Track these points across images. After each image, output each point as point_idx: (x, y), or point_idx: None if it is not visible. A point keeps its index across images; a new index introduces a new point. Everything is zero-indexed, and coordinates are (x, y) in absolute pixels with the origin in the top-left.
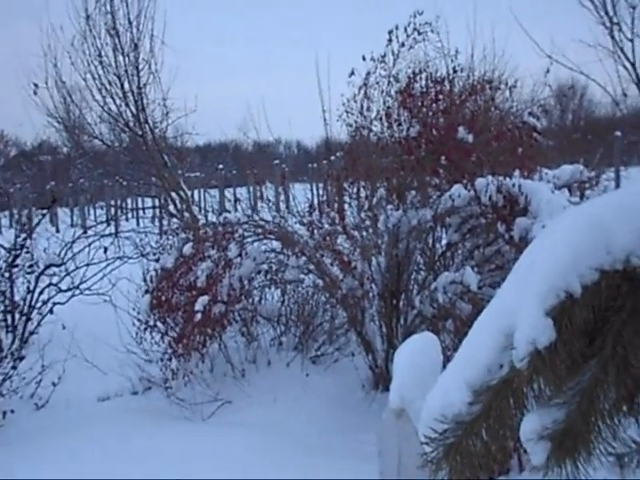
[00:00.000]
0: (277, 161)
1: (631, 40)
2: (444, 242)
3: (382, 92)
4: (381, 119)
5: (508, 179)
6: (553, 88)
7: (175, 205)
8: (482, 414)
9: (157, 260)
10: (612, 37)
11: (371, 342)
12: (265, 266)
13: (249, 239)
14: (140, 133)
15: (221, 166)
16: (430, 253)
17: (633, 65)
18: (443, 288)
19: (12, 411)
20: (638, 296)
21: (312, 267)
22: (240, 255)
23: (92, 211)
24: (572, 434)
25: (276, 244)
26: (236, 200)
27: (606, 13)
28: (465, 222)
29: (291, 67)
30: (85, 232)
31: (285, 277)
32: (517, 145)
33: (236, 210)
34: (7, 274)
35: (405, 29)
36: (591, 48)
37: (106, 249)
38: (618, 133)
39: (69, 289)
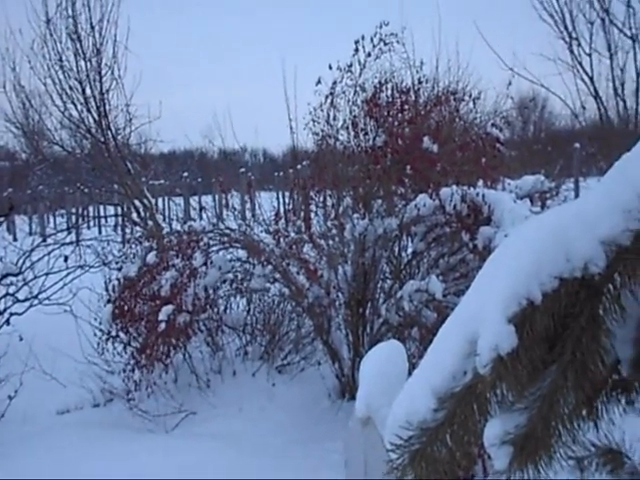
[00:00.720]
0: (243, 169)
1: (589, 55)
2: (410, 251)
3: (348, 101)
4: (347, 128)
5: (472, 189)
6: (515, 100)
7: (138, 213)
8: (446, 420)
9: (120, 269)
10: (571, 52)
11: (337, 351)
12: (231, 275)
13: (214, 248)
14: (102, 140)
15: (186, 174)
16: (396, 262)
17: (591, 79)
18: (409, 296)
19: None
20: (596, 303)
21: (278, 276)
22: (205, 264)
23: (52, 219)
24: (533, 438)
25: (242, 253)
26: (201, 208)
27: (565, 28)
28: (430, 231)
29: (257, 75)
30: (44, 240)
31: (251, 286)
32: (481, 155)
33: (201, 218)
34: None
35: (371, 39)
36: (551, 62)
37: (66, 258)
38: (577, 145)
39: (27, 299)
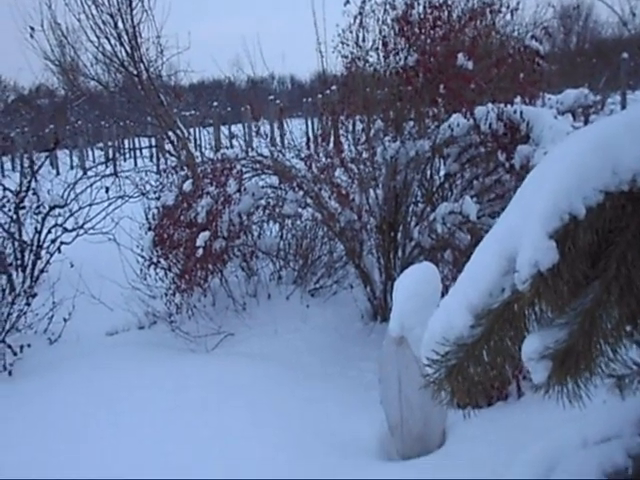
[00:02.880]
0: (272, 97)
1: None
2: (442, 173)
3: (378, 20)
4: (377, 49)
5: (509, 106)
6: (557, 9)
7: (172, 144)
8: (483, 337)
9: (158, 198)
10: None
11: (369, 274)
12: (263, 201)
13: (247, 175)
14: (135, 72)
15: (215, 103)
16: (428, 184)
17: None
18: (442, 219)
19: (29, 345)
20: None
21: (310, 201)
22: (239, 191)
23: (91, 153)
24: (574, 353)
25: (274, 179)
26: (232, 137)
27: None
28: (464, 152)
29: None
30: (85, 173)
31: (283, 212)
32: (519, 70)
33: (232, 147)
34: (15, 216)
35: None
36: None
37: (107, 189)
38: (625, 55)
39: (74, 229)
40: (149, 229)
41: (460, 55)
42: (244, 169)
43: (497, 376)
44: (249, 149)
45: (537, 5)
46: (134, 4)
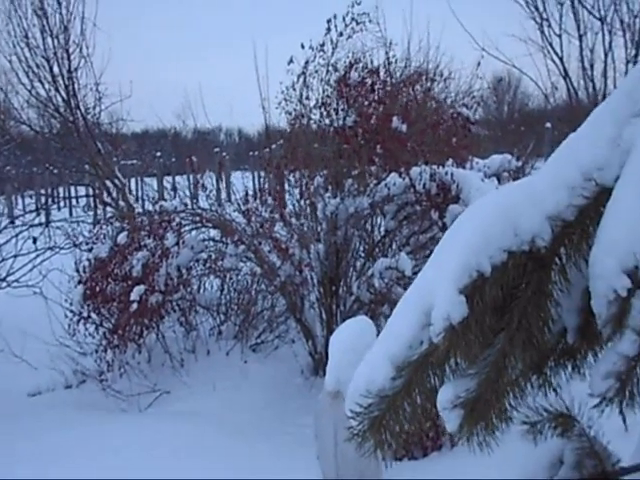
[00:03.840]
0: (217, 149)
1: (559, 35)
2: (382, 229)
3: (321, 80)
4: (320, 107)
5: (441, 168)
6: (489, 80)
7: (110, 194)
8: (403, 388)
9: (90, 250)
10: (542, 32)
11: (311, 328)
12: (204, 255)
13: (187, 227)
14: (71, 119)
15: (159, 153)
16: (369, 240)
17: (561, 60)
18: (379, 274)
19: None
20: (542, 274)
21: (251, 255)
22: (177, 244)
23: (20, 200)
24: (482, 401)
25: (215, 232)
26: (174, 189)
27: (536, 9)
28: (401, 209)
29: (231, 54)
30: (12, 222)
31: (224, 265)
32: (452, 135)
33: (175, 198)
34: None
35: (343, 18)
36: (522, 42)
37: (35, 239)
38: (548, 125)
39: None
40: (79, 282)
41: (395, 118)
42: (183, 222)
43: (419, 424)
44: (189, 201)
45: (470, 75)
46: (71, 49)
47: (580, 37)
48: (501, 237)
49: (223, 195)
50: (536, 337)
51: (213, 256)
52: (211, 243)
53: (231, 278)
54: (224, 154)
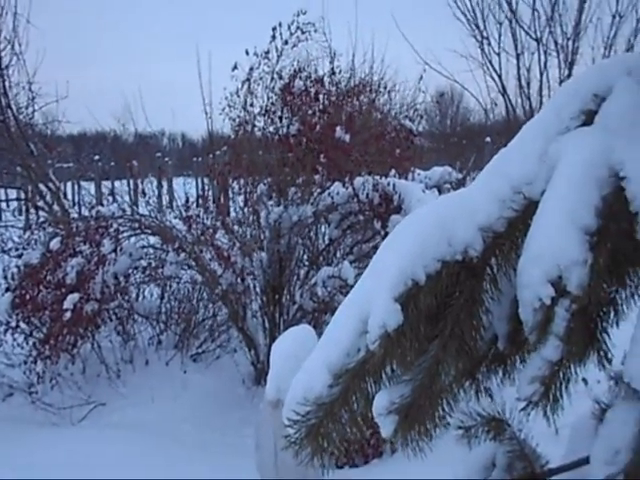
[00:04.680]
0: (159, 154)
1: (498, 54)
2: (327, 238)
3: (266, 88)
4: (264, 115)
5: (384, 178)
6: (432, 94)
7: (43, 197)
8: (341, 396)
9: (20, 256)
10: (482, 50)
11: (253, 337)
12: (144, 262)
13: (125, 234)
14: (1, 118)
15: (97, 157)
16: (313, 248)
17: (500, 77)
18: (323, 282)
19: None
20: (474, 283)
21: (192, 263)
22: (115, 251)
23: None
24: (416, 407)
25: (155, 239)
26: (111, 193)
27: (477, 27)
28: (345, 219)
29: (175, 58)
30: None
31: (164, 273)
32: (395, 146)
33: (115, 202)
34: None
35: (289, 27)
36: (463, 58)
37: None
38: (488, 139)
39: None
40: (7, 290)
41: (338, 128)
42: (122, 228)
43: (357, 431)
44: (127, 207)
45: (414, 89)
46: (2, 45)
47: (517, 56)
48: (436, 247)
49: (166, 201)
50: (468, 344)
51: (153, 263)
52: (151, 250)
53: (171, 286)
54: (166, 159)
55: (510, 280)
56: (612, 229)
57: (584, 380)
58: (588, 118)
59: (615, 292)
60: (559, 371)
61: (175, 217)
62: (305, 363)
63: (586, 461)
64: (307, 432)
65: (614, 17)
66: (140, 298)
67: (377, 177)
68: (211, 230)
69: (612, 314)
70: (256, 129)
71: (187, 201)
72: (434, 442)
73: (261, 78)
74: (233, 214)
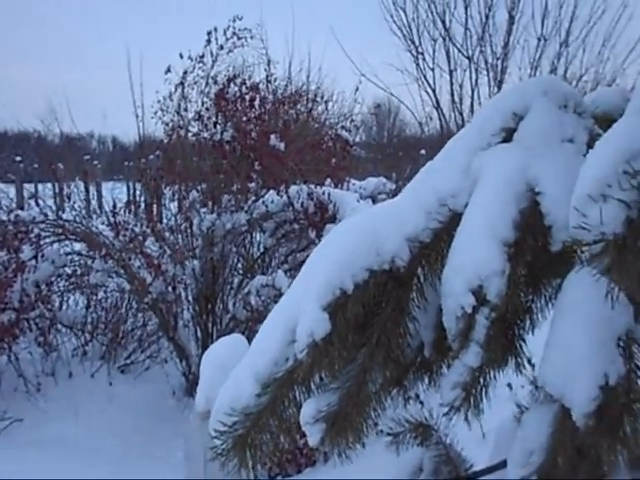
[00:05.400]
0: (88, 156)
1: (432, 69)
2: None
3: (200, 93)
4: (197, 120)
5: (320, 187)
6: (370, 106)
7: None
8: (269, 405)
9: None
10: (417, 65)
11: (184, 348)
12: (68, 269)
13: (47, 240)
14: None
15: (19, 158)
16: (247, 257)
17: (434, 92)
18: (256, 291)
19: None
20: (401, 292)
21: (120, 270)
22: (35, 257)
23: None
24: (343, 415)
25: (81, 246)
26: (33, 197)
27: (412, 42)
28: (279, 227)
29: (105, 59)
30: None
31: (90, 281)
32: (331, 156)
33: (37, 205)
34: None
35: (224, 32)
36: (399, 72)
37: None
38: (423, 152)
39: None
40: None
41: (273, 136)
42: (43, 233)
43: (285, 441)
44: (50, 212)
45: (350, 100)
46: None
47: (450, 72)
48: (365, 256)
49: (94, 206)
50: (395, 352)
51: (78, 271)
52: (76, 257)
53: (97, 295)
54: (95, 162)
55: (436, 289)
56: (529, 241)
57: (509, 385)
58: (508, 135)
59: (531, 301)
60: (479, 377)
61: (102, 223)
62: (232, 372)
63: (505, 464)
64: (234, 443)
65: (539, 40)
66: (64, 307)
67: (312, 186)
68: (140, 237)
69: (528, 322)
70: (190, 134)
71: (114, 206)
72: (368, 449)
73: (195, 82)
74: (165, 221)
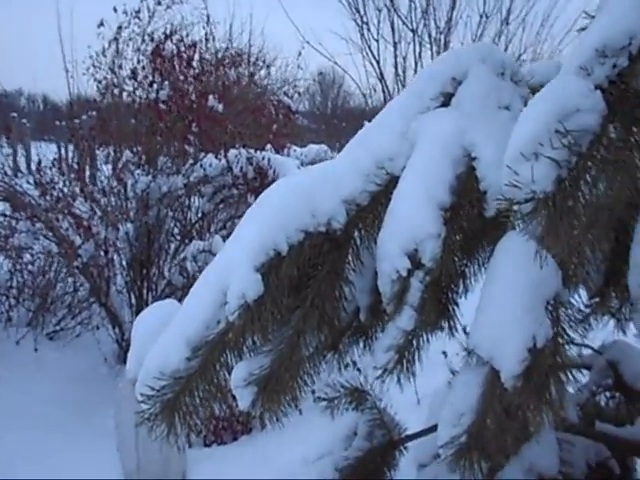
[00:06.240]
0: (15, 114)
1: (377, 40)
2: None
3: (137, 50)
4: (132, 78)
5: (260, 153)
6: (314, 74)
7: None
8: (200, 369)
9: None
10: (362, 35)
11: (117, 314)
12: None
13: None
14: None
15: None
16: (184, 222)
17: (378, 63)
18: (193, 257)
19: None
20: (336, 255)
21: (47, 232)
22: None
23: None
24: (275, 378)
25: (5, 206)
26: None
27: (357, 11)
28: (218, 192)
29: (33, 11)
30: None
31: (14, 243)
32: (273, 122)
33: None
34: None
35: None
36: (344, 41)
37: None
38: (366, 123)
39: None
40: None
41: (211, 97)
42: None
43: (215, 404)
44: None
45: (292, 65)
46: None
47: (395, 44)
48: (299, 217)
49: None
50: (329, 315)
51: (2, 233)
52: (1, 218)
53: (21, 258)
54: (24, 121)
55: (372, 253)
56: (464, 206)
57: (443, 353)
58: (446, 100)
59: (465, 266)
60: (413, 340)
61: (27, 182)
62: (161, 337)
63: (436, 428)
64: (162, 407)
65: (481, 17)
66: None
67: (252, 151)
68: (69, 198)
69: (462, 286)
70: (125, 93)
71: (39, 163)
72: (304, 415)
73: (130, 39)
74: (99, 183)
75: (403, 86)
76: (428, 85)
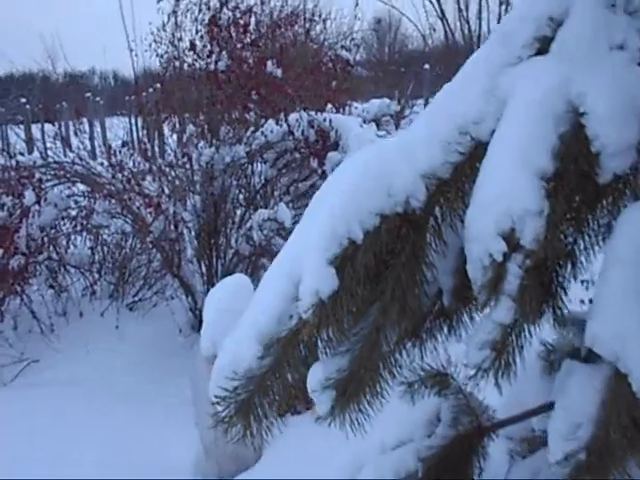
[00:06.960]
0: (89, 94)
1: None
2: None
3: (196, 20)
4: (190, 50)
5: (320, 114)
6: (370, 21)
7: None
8: (272, 367)
9: None
10: None
11: (190, 284)
12: (73, 212)
13: (49, 183)
14: None
15: (25, 100)
16: (249, 189)
17: (438, 0)
18: (258, 226)
19: None
20: (417, 238)
21: (122, 211)
22: (38, 202)
23: None
24: (355, 380)
25: (83, 187)
26: (29, 140)
27: None
28: (280, 157)
29: None
30: None
31: (93, 223)
32: (332, 79)
33: (41, 149)
34: None
35: None
36: None
37: None
38: (427, 66)
39: None
40: None
41: (269, 62)
42: (45, 177)
43: (290, 405)
44: (52, 154)
45: (349, 17)
46: None
47: None
48: (374, 198)
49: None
50: (411, 305)
51: (83, 212)
52: (80, 199)
53: (100, 235)
54: (98, 99)
55: (456, 231)
56: (571, 173)
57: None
58: (543, 46)
59: (573, 243)
60: (511, 335)
61: (100, 164)
62: (232, 331)
63: (533, 413)
64: (237, 408)
65: None
66: (71, 248)
67: (312, 113)
68: (140, 176)
69: (569, 267)
70: (185, 65)
71: (110, 147)
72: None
73: (188, 10)
74: (167, 157)
75: (467, 22)
76: (518, 30)
